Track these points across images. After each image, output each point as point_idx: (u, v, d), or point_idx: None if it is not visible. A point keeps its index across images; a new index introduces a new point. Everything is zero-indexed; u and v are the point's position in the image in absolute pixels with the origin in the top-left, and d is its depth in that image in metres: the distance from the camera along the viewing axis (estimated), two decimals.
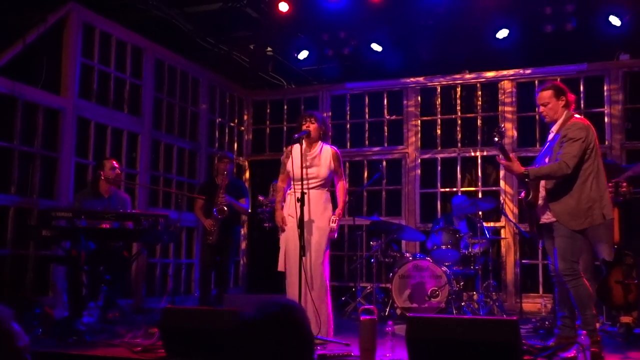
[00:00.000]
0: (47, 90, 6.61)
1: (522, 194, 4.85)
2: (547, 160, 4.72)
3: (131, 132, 7.76)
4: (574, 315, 4.69)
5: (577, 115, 4.77)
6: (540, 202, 4.71)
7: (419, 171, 9.09)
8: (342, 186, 5.40)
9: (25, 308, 5.50)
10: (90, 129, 7.19)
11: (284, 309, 1.83)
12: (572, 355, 4.18)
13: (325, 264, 5.16)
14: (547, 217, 4.69)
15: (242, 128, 10.09)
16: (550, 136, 4.82)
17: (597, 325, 5.52)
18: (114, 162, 6.34)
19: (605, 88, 8.30)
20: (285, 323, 1.80)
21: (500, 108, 8.77)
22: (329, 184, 5.33)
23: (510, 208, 8.48)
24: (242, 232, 9.47)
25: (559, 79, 8.26)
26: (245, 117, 10.14)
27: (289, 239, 5.16)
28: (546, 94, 4.78)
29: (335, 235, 5.30)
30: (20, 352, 2.03)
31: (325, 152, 5.29)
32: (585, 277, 5.58)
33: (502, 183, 8.64)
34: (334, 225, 5.19)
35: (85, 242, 5.71)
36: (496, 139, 4.69)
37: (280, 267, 5.19)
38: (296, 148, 5.25)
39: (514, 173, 4.78)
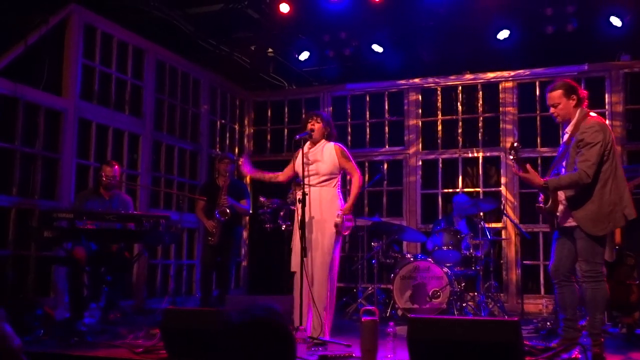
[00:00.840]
0: (48, 92, 6.62)
1: (541, 200, 4.67)
2: (564, 164, 4.57)
3: (132, 133, 7.77)
4: (575, 316, 4.63)
5: (592, 114, 4.58)
6: (560, 207, 4.56)
7: (420, 172, 9.09)
8: (355, 180, 5.28)
9: (27, 309, 5.50)
10: (92, 130, 7.20)
11: (266, 314, 1.83)
12: (574, 356, 4.18)
13: (331, 265, 5.09)
14: (568, 222, 4.53)
15: (244, 129, 10.10)
16: (565, 137, 4.63)
17: None
18: (116, 168, 6.28)
19: (606, 89, 8.31)
20: (266, 328, 1.80)
21: (501, 109, 8.78)
22: (335, 180, 5.26)
23: (511, 208, 8.47)
24: (244, 233, 9.48)
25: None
26: (246, 118, 10.15)
27: (295, 239, 5.15)
28: (555, 94, 4.59)
29: (346, 232, 5.25)
30: (15, 353, 2.03)
31: (328, 149, 5.26)
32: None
33: (503, 188, 8.64)
34: (338, 220, 5.06)
35: (87, 243, 5.73)
36: (511, 156, 4.48)
37: (294, 267, 5.16)
38: (301, 150, 5.28)
39: (533, 185, 4.55)
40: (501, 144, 8.70)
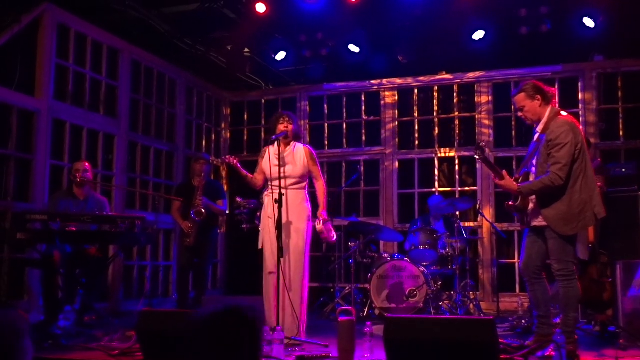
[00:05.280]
0: (21, 92, 6.53)
1: (511, 201, 4.70)
2: (534, 162, 4.61)
3: (107, 134, 7.70)
4: (548, 312, 4.68)
5: (563, 113, 4.59)
6: (530, 205, 4.59)
7: (396, 172, 9.13)
8: (321, 186, 5.37)
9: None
10: (66, 130, 7.12)
11: (228, 310, 1.82)
12: (548, 353, 4.23)
13: (304, 266, 5.15)
14: (539, 221, 4.56)
15: (220, 129, 10.06)
16: (536, 137, 4.65)
17: None
18: (86, 165, 6.25)
19: (579, 89, 8.41)
20: (227, 323, 1.79)
21: (476, 109, 8.84)
22: (305, 183, 5.31)
23: (486, 208, 8.54)
24: (220, 234, 9.43)
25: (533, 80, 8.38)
26: (223, 118, 10.11)
27: (272, 242, 5.14)
28: (519, 98, 4.63)
29: (334, 237, 5.30)
30: None
31: (299, 151, 5.29)
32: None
33: (478, 188, 8.71)
34: (320, 226, 5.16)
35: (61, 245, 5.66)
36: (477, 156, 4.55)
37: (270, 268, 5.17)
38: (270, 149, 5.28)
39: (508, 191, 4.63)
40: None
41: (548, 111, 4.57)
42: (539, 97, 4.57)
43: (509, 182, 4.56)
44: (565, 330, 4.37)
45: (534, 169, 4.61)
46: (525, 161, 4.79)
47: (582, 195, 4.41)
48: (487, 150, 4.72)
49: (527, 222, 4.67)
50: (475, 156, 4.58)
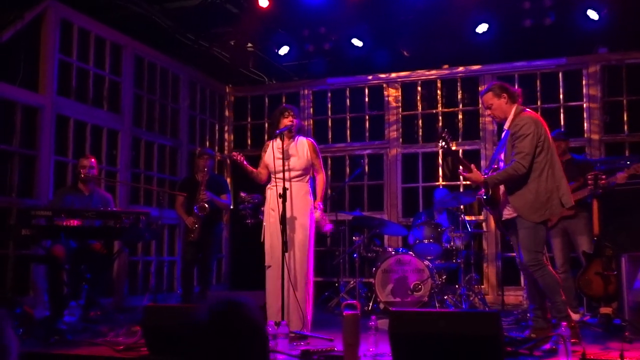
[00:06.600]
0: (25, 88, 6.54)
1: (482, 193, 4.92)
2: (502, 156, 4.83)
3: (111, 130, 7.70)
4: (544, 306, 4.81)
5: (527, 110, 4.84)
6: (502, 199, 4.79)
7: (400, 166, 9.12)
8: (321, 178, 5.39)
9: (6, 308, 5.44)
10: (70, 126, 7.13)
11: (230, 306, 1.82)
12: (553, 347, 4.22)
13: (309, 260, 5.15)
14: (508, 213, 4.78)
15: (224, 124, 10.06)
16: (503, 134, 4.90)
17: (578, 316, 5.62)
18: (92, 161, 6.25)
19: (583, 82, 8.37)
20: (232, 321, 1.79)
21: (480, 102, 8.80)
22: (308, 175, 5.31)
23: None
24: (225, 229, 9.44)
25: (538, 73, 8.39)
26: (227, 113, 10.11)
27: (272, 234, 5.15)
28: (486, 97, 4.88)
29: (327, 229, 5.33)
30: None
31: (301, 143, 5.29)
32: (563, 269, 5.74)
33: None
34: (317, 214, 5.19)
35: (66, 241, 5.67)
36: (441, 146, 4.86)
37: (269, 262, 5.19)
38: (273, 143, 5.28)
39: (475, 183, 4.92)
40: (481, 137, 8.75)
41: (514, 109, 4.82)
42: (505, 95, 4.83)
43: (476, 174, 4.80)
44: (560, 317, 4.48)
45: (502, 163, 4.83)
46: (493, 156, 5.04)
47: (548, 185, 4.63)
48: (451, 142, 4.91)
49: (498, 215, 4.86)
50: (440, 146, 4.83)
